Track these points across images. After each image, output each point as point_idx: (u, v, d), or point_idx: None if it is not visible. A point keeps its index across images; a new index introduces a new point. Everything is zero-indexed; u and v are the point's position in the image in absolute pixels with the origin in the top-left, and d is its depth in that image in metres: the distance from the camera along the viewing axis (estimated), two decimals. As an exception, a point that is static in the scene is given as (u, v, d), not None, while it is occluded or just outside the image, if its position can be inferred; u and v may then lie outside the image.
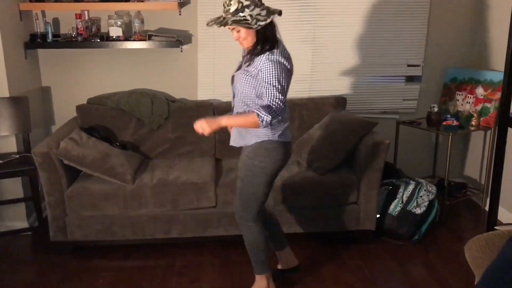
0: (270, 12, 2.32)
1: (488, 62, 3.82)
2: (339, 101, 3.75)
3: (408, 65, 4.02)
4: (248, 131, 2.47)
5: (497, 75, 3.62)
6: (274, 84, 2.28)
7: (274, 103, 2.28)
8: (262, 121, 2.26)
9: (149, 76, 3.85)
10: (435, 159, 4.17)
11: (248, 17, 2.28)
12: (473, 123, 3.72)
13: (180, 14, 3.68)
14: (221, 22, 2.33)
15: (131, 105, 3.58)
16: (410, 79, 4.08)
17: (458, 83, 3.92)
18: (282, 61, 2.32)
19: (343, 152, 3.27)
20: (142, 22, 3.62)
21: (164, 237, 3.21)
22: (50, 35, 3.53)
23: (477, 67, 3.89)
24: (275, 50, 2.34)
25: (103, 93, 3.70)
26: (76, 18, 3.49)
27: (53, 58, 3.75)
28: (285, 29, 3.90)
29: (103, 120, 3.58)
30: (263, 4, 2.34)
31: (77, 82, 3.82)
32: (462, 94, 3.87)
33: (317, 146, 3.34)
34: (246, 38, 2.35)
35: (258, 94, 2.37)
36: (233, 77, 2.53)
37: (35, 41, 3.55)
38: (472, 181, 4.07)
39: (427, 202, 3.33)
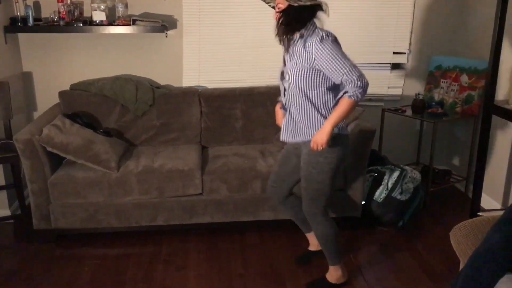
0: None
1: (473, 50, 3.84)
2: (325, 88, 3.74)
3: (394, 53, 4.03)
4: (307, 126, 2.40)
5: (482, 63, 3.65)
6: (339, 60, 2.22)
7: (355, 75, 2.22)
8: (356, 98, 2.23)
9: (134, 62, 3.79)
10: (419, 146, 4.21)
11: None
12: (457, 110, 3.76)
13: (164, -1, 3.63)
14: None
15: (115, 91, 3.53)
16: (395, 66, 4.09)
17: (443, 71, 3.94)
18: (329, 37, 2.26)
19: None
20: (126, 6, 3.56)
21: (149, 225, 3.19)
22: (31, 19, 3.44)
23: (462, 55, 3.92)
24: (318, 31, 2.26)
25: (87, 79, 3.64)
26: (58, 2, 3.40)
27: (34, 43, 3.67)
28: (270, 16, 3.88)
29: (86, 106, 3.53)
30: None
31: (60, 67, 3.75)
32: (446, 82, 3.90)
33: (304, 133, 3.33)
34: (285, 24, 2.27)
35: (330, 83, 2.32)
36: (282, 73, 2.43)
37: (16, 25, 3.46)
38: (456, 168, 4.12)
39: (412, 189, 3.36)
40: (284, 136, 2.53)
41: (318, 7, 2.29)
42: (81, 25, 3.46)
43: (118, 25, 3.50)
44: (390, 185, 3.35)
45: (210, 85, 3.82)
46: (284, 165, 2.68)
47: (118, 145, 3.35)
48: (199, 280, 2.81)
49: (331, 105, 2.37)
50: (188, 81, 3.87)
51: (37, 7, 3.59)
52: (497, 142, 3.41)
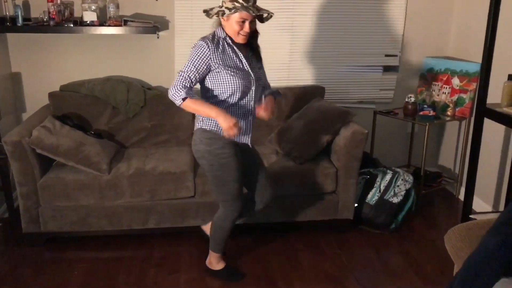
0: None
1: (464, 53, 3.86)
2: (318, 91, 3.74)
3: (386, 55, 4.04)
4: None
5: (473, 66, 3.67)
6: None
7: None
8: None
9: (125, 63, 3.75)
10: (410, 148, 4.22)
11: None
12: (448, 113, 3.78)
13: (156, 0, 3.59)
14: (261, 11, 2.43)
15: (106, 93, 3.49)
16: (387, 69, 4.11)
17: (434, 73, 3.96)
18: None
19: (322, 142, 3.26)
20: (118, 7, 3.51)
21: (141, 228, 3.16)
22: (20, 19, 3.38)
23: (453, 58, 3.94)
24: None
25: (77, 80, 3.59)
26: (48, 2, 3.35)
27: (23, 43, 3.61)
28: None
29: (77, 107, 3.48)
30: None
31: (49, 68, 3.69)
32: (438, 85, 3.91)
33: (296, 135, 3.33)
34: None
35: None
36: (250, 75, 2.51)
37: (4, 25, 3.40)
38: (447, 171, 4.14)
39: (404, 191, 3.37)
40: (244, 139, 2.62)
41: None
42: (72, 25, 3.42)
43: (109, 25, 3.46)
44: (382, 188, 3.35)
45: (202, 87, 3.79)
46: (240, 169, 2.60)
47: (109, 147, 3.31)
48: (191, 284, 2.79)
49: None
50: (179, 82, 3.83)
51: (26, 6, 3.54)
52: (488, 145, 3.43)
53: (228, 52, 2.45)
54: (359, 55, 3.99)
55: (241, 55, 2.48)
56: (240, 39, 2.42)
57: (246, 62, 2.49)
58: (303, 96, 3.68)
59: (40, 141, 2.97)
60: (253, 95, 2.53)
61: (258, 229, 3.30)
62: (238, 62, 2.47)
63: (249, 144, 2.65)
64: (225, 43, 2.45)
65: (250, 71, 2.50)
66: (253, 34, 2.48)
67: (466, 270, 1.86)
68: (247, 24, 2.37)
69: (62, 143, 3.04)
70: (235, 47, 2.47)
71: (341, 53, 3.96)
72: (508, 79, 3.00)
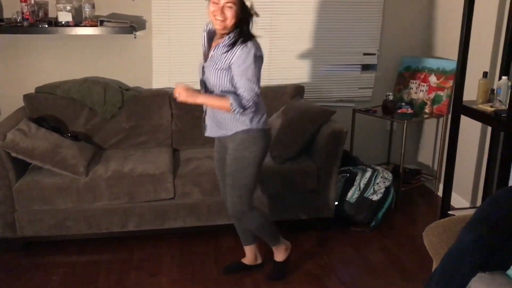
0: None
1: (441, 51, 3.91)
2: (297, 90, 3.75)
3: (364, 54, 4.07)
4: (231, 119, 2.41)
5: (449, 63, 3.72)
6: (249, 76, 2.28)
7: (249, 96, 2.29)
8: (234, 111, 2.30)
9: (102, 64, 3.70)
10: (389, 146, 4.26)
11: (248, 2, 2.27)
12: (426, 110, 3.82)
13: (133, 0, 3.55)
14: None
15: (82, 94, 3.44)
16: (365, 67, 4.13)
17: (412, 71, 4.00)
18: (257, 53, 2.29)
19: (302, 141, 3.27)
20: (93, 7, 3.46)
21: (120, 231, 3.12)
22: (-8, 20, 3.32)
23: (430, 56, 3.99)
24: (249, 42, 2.28)
25: (53, 82, 3.53)
26: (21, 2, 3.28)
27: (-4, 44, 3.54)
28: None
29: (52, 109, 3.42)
30: None
31: (24, 70, 3.62)
32: (416, 83, 3.95)
33: (276, 135, 3.32)
34: (231, 21, 2.26)
35: (234, 85, 2.33)
36: (203, 67, 2.44)
37: (-24, 26, 3.33)
38: (425, 167, 4.19)
39: (384, 189, 3.39)
40: (208, 131, 2.55)
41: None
42: (46, 26, 3.35)
43: (85, 26, 3.40)
44: (362, 186, 3.37)
45: (181, 87, 3.76)
46: (222, 170, 2.61)
47: (86, 149, 3.26)
48: (173, 286, 2.76)
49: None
50: (158, 82, 3.80)
51: (-1, 7, 3.47)
52: (466, 142, 3.48)
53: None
54: (337, 54, 4.00)
55: (206, 45, 2.44)
56: (216, 25, 2.31)
57: (206, 55, 2.43)
58: (283, 96, 3.68)
59: (15, 144, 2.91)
60: (202, 91, 2.46)
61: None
62: (204, 52, 2.45)
63: (218, 139, 2.59)
64: (208, 28, 2.45)
65: (203, 66, 2.44)
66: (240, 29, 2.30)
67: (443, 266, 1.88)
68: (219, 6, 2.23)
69: (38, 146, 2.98)
70: (205, 34, 2.44)
71: (320, 52, 3.97)
72: (483, 76, 3.04)
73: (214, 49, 2.38)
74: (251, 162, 2.45)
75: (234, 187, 2.50)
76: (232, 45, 2.29)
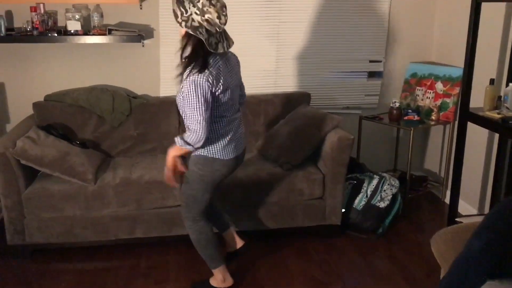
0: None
1: (447, 58, 3.91)
2: (304, 97, 3.76)
3: (370, 61, 4.08)
4: None
5: (456, 70, 3.72)
6: (191, 107, 2.24)
7: (194, 127, 2.26)
8: (182, 148, 2.36)
9: (110, 72, 3.73)
10: (396, 153, 4.25)
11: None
12: (433, 117, 3.82)
13: (141, 8, 3.59)
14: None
15: (91, 102, 3.47)
16: (372, 74, 4.14)
17: (418, 78, 4.00)
18: (203, 83, 2.23)
19: (309, 148, 3.28)
20: (102, 16, 3.50)
21: (128, 238, 3.13)
22: (3, 29, 3.35)
23: (437, 63, 3.99)
24: (193, 74, 2.24)
25: (61, 90, 3.56)
26: (31, 11, 3.33)
27: (6, 53, 3.58)
28: (249, 25, 3.89)
29: (61, 117, 3.45)
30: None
31: (33, 78, 3.66)
32: (422, 90, 3.96)
33: (283, 141, 3.33)
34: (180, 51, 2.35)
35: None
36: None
37: (-13, 35, 3.38)
38: (432, 174, 4.18)
39: (391, 196, 3.39)
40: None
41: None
42: (56, 35, 3.40)
43: (93, 34, 3.44)
44: (369, 193, 3.37)
45: (188, 95, 3.78)
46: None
47: (95, 157, 3.28)
48: (180, 293, 2.77)
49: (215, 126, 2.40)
50: (165, 90, 3.83)
51: (9, 16, 3.51)
52: (473, 148, 3.47)
53: None
54: (344, 61, 4.02)
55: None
56: None
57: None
58: (290, 103, 3.70)
59: (25, 152, 2.94)
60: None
61: (246, 236, 3.29)
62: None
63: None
64: None
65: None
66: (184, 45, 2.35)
67: (451, 274, 1.87)
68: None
69: (47, 153, 3.01)
70: None
71: (326, 60, 3.99)
72: (490, 83, 3.04)
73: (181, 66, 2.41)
74: (198, 179, 2.49)
75: (184, 194, 2.60)
76: (181, 75, 2.32)
